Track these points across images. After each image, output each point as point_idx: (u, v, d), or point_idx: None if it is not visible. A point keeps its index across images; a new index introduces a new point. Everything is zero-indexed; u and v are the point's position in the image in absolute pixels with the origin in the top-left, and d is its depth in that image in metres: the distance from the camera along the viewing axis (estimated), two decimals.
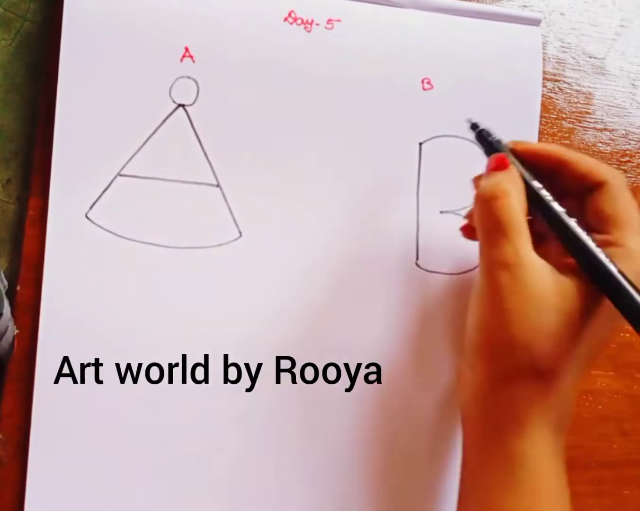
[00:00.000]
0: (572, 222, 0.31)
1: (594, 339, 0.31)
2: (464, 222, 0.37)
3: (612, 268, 0.29)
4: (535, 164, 0.33)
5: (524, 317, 0.30)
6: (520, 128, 0.40)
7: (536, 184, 0.32)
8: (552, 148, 0.34)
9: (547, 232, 0.33)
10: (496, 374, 0.31)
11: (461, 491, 0.33)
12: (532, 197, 0.32)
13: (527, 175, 0.32)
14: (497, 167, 0.32)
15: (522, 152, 0.33)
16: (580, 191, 0.33)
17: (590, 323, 0.30)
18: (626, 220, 0.31)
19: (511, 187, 0.31)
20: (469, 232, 0.36)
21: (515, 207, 0.30)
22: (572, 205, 0.32)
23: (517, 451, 0.30)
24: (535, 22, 0.40)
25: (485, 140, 0.34)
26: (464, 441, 0.34)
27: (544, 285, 0.30)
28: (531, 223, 0.31)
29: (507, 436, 0.31)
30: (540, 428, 0.30)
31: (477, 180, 0.35)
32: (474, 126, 0.35)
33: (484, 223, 0.31)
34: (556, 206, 0.31)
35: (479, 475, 0.32)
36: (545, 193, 0.32)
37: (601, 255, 0.30)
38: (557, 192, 0.32)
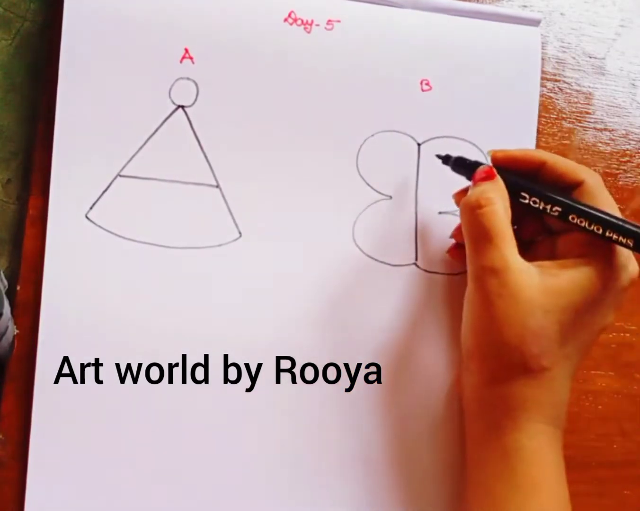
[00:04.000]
0: (574, 200, 0.32)
1: (585, 334, 0.32)
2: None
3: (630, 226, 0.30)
4: (514, 169, 0.34)
5: (513, 319, 0.31)
6: (518, 129, 0.40)
7: (524, 182, 0.33)
8: (531, 152, 0.35)
9: (535, 237, 0.35)
10: (490, 374, 0.32)
11: (467, 486, 0.34)
12: (522, 197, 0.33)
13: (514, 179, 0.33)
14: (485, 178, 0.33)
15: (501, 160, 0.34)
16: (560, 190, 0.34)
17: (581, 319, 0.31)
18: None
19: (495, 195, 0.32)
20: (460, 237, 0.37)
21: (500, 214, 0.31)
22: None
23: (515, 445, 0.31)
24: (535, 23, 0.40)
25: (465, 164, 0.35)
26: (467, 438, 0.34)
27: (531, 287, 0.31)
28: (517, 232, 0.32)
29: (504, 431, 0.32)
30: (536, 422, 0.31)
31: (457, 195, 0.36)
32: (446, 158, 0.36)
33: (470, 231, 0.32)
34: (554, 194, 0.32)
35: (480, 470, 0.33)
36: (537, 186, 0.33)
37: (611, 218, 0.31)
38: None
